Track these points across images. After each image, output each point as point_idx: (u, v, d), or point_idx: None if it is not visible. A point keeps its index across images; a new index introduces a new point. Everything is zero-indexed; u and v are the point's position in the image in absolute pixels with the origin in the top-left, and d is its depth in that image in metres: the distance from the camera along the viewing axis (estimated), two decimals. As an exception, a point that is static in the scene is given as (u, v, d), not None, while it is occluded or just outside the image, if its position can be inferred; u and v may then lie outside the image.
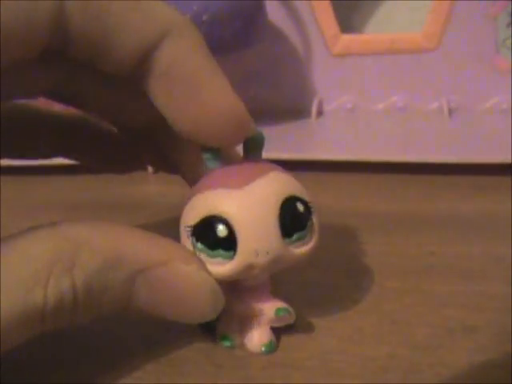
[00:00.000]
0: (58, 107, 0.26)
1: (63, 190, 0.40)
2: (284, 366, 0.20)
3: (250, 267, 0.19)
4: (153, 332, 0.22)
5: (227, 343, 0.21)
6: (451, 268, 0.26)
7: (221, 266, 0.19)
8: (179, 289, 0.19)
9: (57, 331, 0.18)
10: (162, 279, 0.19)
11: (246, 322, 0.21)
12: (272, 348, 0.21)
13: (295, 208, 0.19)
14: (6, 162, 0.39)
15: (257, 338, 0.21)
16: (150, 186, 0.41)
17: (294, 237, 0.19)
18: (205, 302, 0.19)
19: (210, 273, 0.19)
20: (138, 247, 0.19)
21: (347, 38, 0.53)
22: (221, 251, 0.19)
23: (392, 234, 0.30)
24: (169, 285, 0.19)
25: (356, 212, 0.34)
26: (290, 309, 0.21)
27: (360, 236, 0.30)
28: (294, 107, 0.54)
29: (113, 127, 0.27)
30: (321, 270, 0.26)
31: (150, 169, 0.42)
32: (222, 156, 0.21)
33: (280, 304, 0.21)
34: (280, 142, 0.41)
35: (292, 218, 0.19)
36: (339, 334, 0.21)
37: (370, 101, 0.53)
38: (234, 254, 0.19)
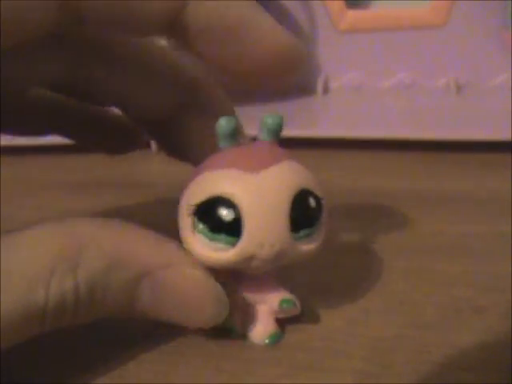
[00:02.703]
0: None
1: (66, 169, 0.40)
2: (289, 347, 0.20)
3: (251, 258, 0.18)
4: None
5: (229, 333, 0.20)
6: (459, 247, 0.26)
7: (220, 252, 0.18)
8: (183, 292, 0.18)
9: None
10: (167, 282, 0.18)
11: (249, 313, 0.20)
12: (276, 340, 0.20)
13: (307, 202, 0.18)
14: (7, 141, 0.39)
15: (261, 329, 0.20)
16: (154, 164, 0.41)
17: (302, 233, 0.18)
18: (209, 306, 0.19)
19: (209, 261, 0.18)
20: (144, 249, 0.18)
21: (353, 14, 0.52)
22: (223, 236, 0.18)
23: (399, 212, 0.30)
24: (173, 288, 0.18)
25: (362, 190, 0.34)
26: (296, 300, 0.20)
27: (365, 214, 0.30)
28: (299, 84, 0.53)
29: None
30: (326, 248, 0.26)
31: (153, 148, 0.41)
32: (237, 135, 0.19)
33: (285, 295, 0.20)
34: (285, 119, 0.41)
35: (303, 213, 0.18)
36: (345, 315, 0.21)
37: (376, 78, 0.53)
38: (237, 242, 0.18)
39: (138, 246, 0.18)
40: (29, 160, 0.41)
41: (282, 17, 0.53)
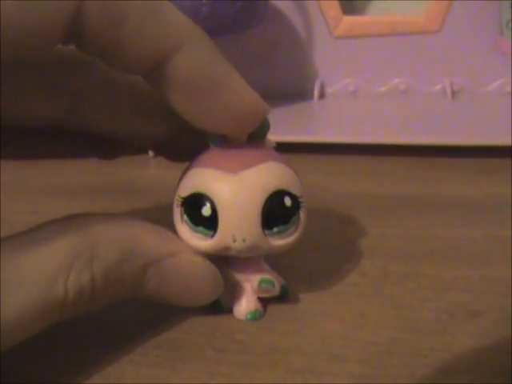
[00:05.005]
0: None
1: (63, 175, 0.40)
2: (285, 351, 0.20)
3: (226, 249, 0.20)
4: (153, 316, 0.22)
5: (217, 307, 0.22)
6: (454, 252, 0.26)
7: (201, 241, 0.20)
8: (186, 277, 0.20)
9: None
10: (172, 269, 0.20)
11: (236, 289, 0.22)
12: (256, 317, 0.21)
13: (282, 202, 0.20)
14: (5, 146, 0.39)
15: (243, 305, 0.21)
16: (151, 169, 0.41)
17: (275, 230, 0.20)
18: (207, 287, 0.21)
19: (193, 247, 0.20)
20: (150, 240, 0.20)
21: (349, 20, 0.52)
22: (202, 228, 0.20)
23: (394, 217, 0.30)
24: (177, 274, 0.20)
25: (358, 195, 0.34)
26: (275, 281, 0.21)
27: (362, 219, 0.30)
28: (295, 90, 0.53)
29: None
30: (322, 253, 0.26)
31: (150, 153, 0.41)
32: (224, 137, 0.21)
33: (265, 275, 0.21)
34: (282, 124, 0.41)
35: (275, 212, 0.20)
36: (341, 319, 0.21)
37: (372, 83, 0.53)
38: (213, 234, 0.20)
39: (145, 238, 0.20)
40: (25, 165, 0.41)
41: (279, 22, 0.53)
